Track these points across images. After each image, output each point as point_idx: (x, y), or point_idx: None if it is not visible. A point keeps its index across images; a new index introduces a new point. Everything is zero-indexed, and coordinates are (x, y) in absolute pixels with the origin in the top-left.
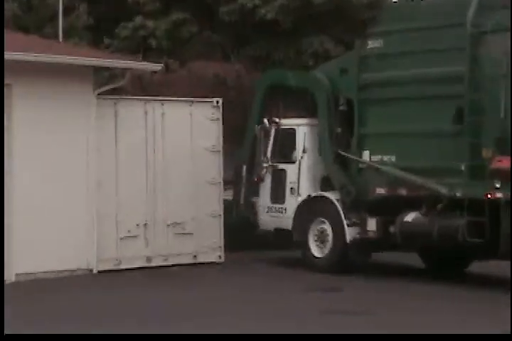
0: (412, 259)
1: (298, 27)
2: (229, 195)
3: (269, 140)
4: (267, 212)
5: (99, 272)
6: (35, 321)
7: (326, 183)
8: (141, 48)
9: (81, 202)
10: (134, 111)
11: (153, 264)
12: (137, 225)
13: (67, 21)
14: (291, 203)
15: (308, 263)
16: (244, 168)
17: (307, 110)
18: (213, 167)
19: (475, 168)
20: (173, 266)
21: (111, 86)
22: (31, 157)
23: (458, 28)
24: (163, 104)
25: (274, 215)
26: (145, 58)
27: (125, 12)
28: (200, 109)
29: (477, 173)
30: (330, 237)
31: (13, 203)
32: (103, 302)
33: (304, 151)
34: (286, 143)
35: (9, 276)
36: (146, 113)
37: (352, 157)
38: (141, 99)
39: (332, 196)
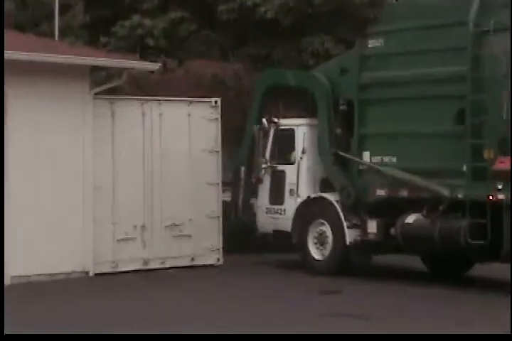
0: (413, 262)
1: (298, 26)
2: (228, 197)
3: (268, 140)
4: (266, 213)
5: (95, 275)
6: (28, 324)
7: (325, 184)
8: (139, 47)
9: (77, 204)
10: (131, 112)
11: (150, 267)
12: (134, 227)
13: (63, 20)
14: (291, 205)
15: (307, 265)
16: (243, 168)
17: (307, 110)
18: (212, 168)
19: (477, 169)
20: (170, 268)
21: (108, 85)
22: (25, 157)
23: (460, 27)
24: (160, 104)
25: (273, 217)
26: (142, 57)
27: (122, 10)
28: (198, 109)
29: (479, 174)
30: (330, 239)
31: (7, 204)
32: (99, 306)
33: (303, 152)
34: (285, 143)
35: (4, 279)
36: (143, 113)
37: (352, 158)
38: (138, 99)
39: (332, 197)
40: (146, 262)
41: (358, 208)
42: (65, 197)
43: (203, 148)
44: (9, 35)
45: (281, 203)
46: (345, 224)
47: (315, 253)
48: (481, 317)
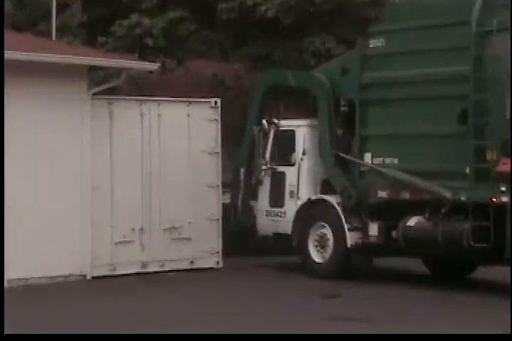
0: (415, 264)
1: (299, 25)
2: (228, 199)
3: (268, 141)
4: (266, 215)
5: (93, 278)
6: (28, 327)
7: (326, 186)
8: (137, 47)
9: (76, 204)
10: (129, 112)
11: (149, 270)
12: (132, 230)
13: (60, 19)
14: (291, 207)
15: (308, 268)
16: (243, 170)
17: (307, 111)
18: (211, 169)
19: (480, 170)
20: (169, 271)
21: (106, 85)
22: (24, 157)
23: (462, 27)
24: (159, 105)
25: (273, 219)
26: (141, 57)
27: (120, 9)
28: (197, 109)
29: (482, 176)
30: (330, 242)
31: (6, 204)
32: (98, 309)
33: (303, 153)
34: (285, 144)
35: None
36: (142, 113)
37: (353, 159)
38: (137, 99)
39: (333, 199)
40: (144, 265)
41: (359, 210)
42: (63, 197)
43: (202, 149)
44: (7, 35)
45: (282, 205)
46: (346, 226)
47: (315, 256)
48: (484, 319)
